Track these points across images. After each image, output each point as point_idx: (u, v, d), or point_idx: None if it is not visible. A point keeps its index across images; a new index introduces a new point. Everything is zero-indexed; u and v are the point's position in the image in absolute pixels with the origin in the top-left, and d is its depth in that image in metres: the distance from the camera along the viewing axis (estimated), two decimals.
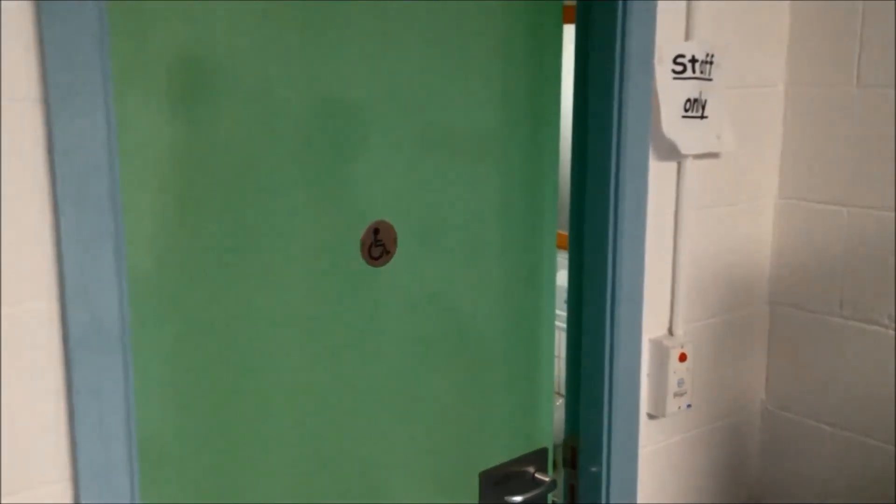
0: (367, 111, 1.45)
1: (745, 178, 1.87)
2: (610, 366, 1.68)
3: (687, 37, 1.68)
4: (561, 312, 1.78)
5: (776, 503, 2.01)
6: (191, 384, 1.34)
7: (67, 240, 1.09)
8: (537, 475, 1.78)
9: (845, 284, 1.85)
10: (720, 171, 1.81)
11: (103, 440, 1.15)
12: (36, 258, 1.09)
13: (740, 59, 1.79)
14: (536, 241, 1.72)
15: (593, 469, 1.73)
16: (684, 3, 1.67)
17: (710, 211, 1.81)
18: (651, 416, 1.79)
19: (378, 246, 1.49)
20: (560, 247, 1.74)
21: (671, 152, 1.70)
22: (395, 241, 1.51)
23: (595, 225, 1.66)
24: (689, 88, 1.68)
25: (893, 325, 1.78)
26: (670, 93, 1.66)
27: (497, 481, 1.73)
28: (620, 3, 1.57)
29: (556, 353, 1.82)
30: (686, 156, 1.72)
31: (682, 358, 1.76)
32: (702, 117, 1.71)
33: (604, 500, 1.73)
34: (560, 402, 1.93)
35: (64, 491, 1.15)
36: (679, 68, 1.66)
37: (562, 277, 1.77)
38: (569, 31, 1.67)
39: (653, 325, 1.76)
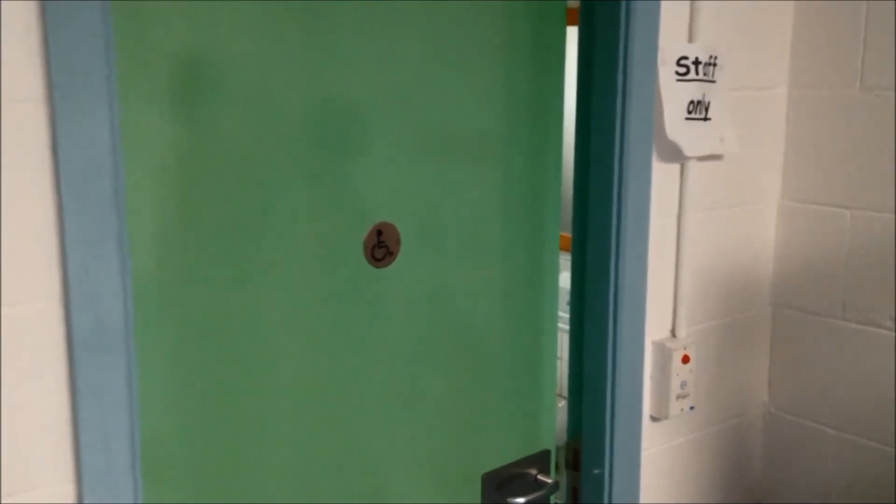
0: (371, 112, 1.45)
1: (747, 180, 1.86)
2: (612, 368, 1.68)
3: (690, 39, 1.69)
4: (563, 314, 1.78)
5: None
6: (194, 385, 1.34)
7: (71, 240, 1.09)
8: (539, 477, 1.78)
9: (848, 287, 1.85)
10: (723, 173, 1.81)
11: (106, 441, 1.15)
12: (39, 259, 1.09)
13: (743, 61, 1.79)
14: (539, 243, 1.72)
15: (596, 471, 1.73)
16: (688, 5, 1.68)
17: (712, 213, 1.81)
18: (654, 419, 1.79)
19: (381, 247, 1.49)
20: (563, 249, 1.74)
21: (674, 154, 1.70)
22: (398, 242, 1.51)
23: (598, 227, 1.66)
24: (693, 90, 1.68)
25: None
26: (673, 95, 1.66)
27: (499, 483, 1.73)
28: (624, 4, 1.57)
29: (558, 354, 1.82)
30: (689, 158, 1.72)
31: (685, 360, 1.76)
32: (705, 119, 1.71)
33: (606, 502, 1.73)
34: (562, 403, 1.92)
35: (67, 492, 1.15)
36: (682, 70, 1.66)
37: (564, 279, 1.77)
38: (572, 33, 1.67)
39: (655, 327, 1.76)
